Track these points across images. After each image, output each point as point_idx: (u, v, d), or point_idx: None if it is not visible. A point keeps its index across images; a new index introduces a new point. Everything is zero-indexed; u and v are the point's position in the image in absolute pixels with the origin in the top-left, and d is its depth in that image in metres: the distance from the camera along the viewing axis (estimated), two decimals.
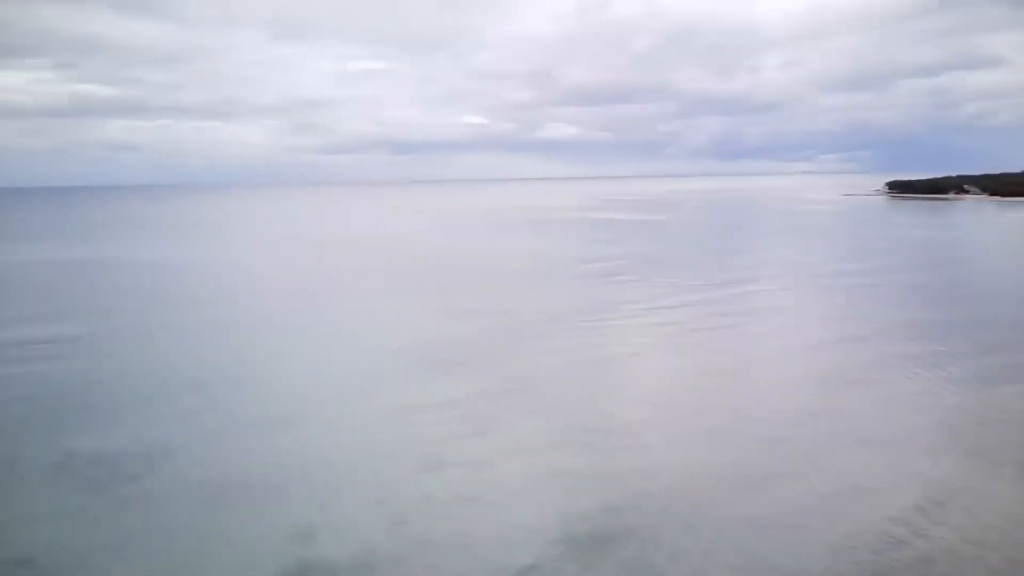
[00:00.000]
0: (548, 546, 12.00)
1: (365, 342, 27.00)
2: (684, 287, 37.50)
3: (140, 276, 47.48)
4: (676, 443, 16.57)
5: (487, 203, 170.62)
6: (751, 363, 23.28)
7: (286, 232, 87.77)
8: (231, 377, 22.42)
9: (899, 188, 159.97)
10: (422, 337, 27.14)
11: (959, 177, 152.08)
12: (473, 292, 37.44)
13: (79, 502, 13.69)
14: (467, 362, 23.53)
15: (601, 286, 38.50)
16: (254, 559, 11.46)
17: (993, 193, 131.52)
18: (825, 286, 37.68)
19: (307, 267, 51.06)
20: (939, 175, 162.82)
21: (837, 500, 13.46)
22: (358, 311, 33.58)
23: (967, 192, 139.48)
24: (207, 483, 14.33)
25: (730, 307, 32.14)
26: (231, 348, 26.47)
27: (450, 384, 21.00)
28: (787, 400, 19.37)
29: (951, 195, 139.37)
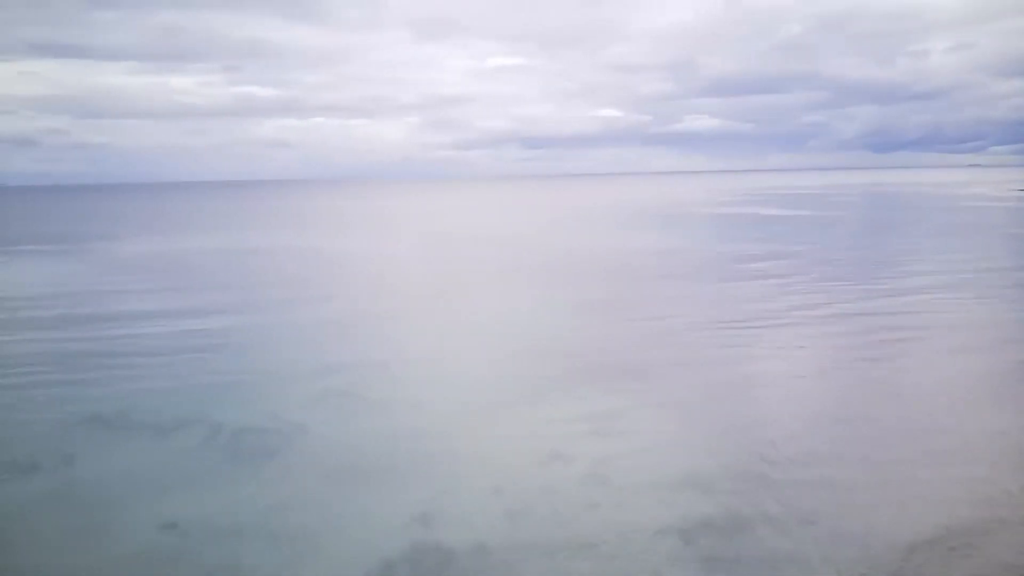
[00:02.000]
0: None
1: (497, 340, 26.07)
2: (850, 293, 33.65)
3: (290, 264, 50.37)
4: (876, 479, 14.16)
5: (621, 197, 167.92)
6: (952, 387, 19.62)
7: (422, 226, 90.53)
8: (368, 366, 22.64)
9: None
10: (560, 339, 25.76)
11: None
12: (612, 293, 35.75)
13: (222, 470, 14.73)
14: (609, 369, 21.78)
15: (753, 290, 35.49)
16: (375, 538, 11.75)
17: None
18: (1016, 297, 32.94)
19: (442, 262, 51.49)
20: None
21: None
22: (491, 308, 32.70)
23: None
24: (336, 462, 14.85)
25: (909, 319, 27.51)
26: (371, 339, 26.99)
27: (587, 393, 19.41)
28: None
29: None
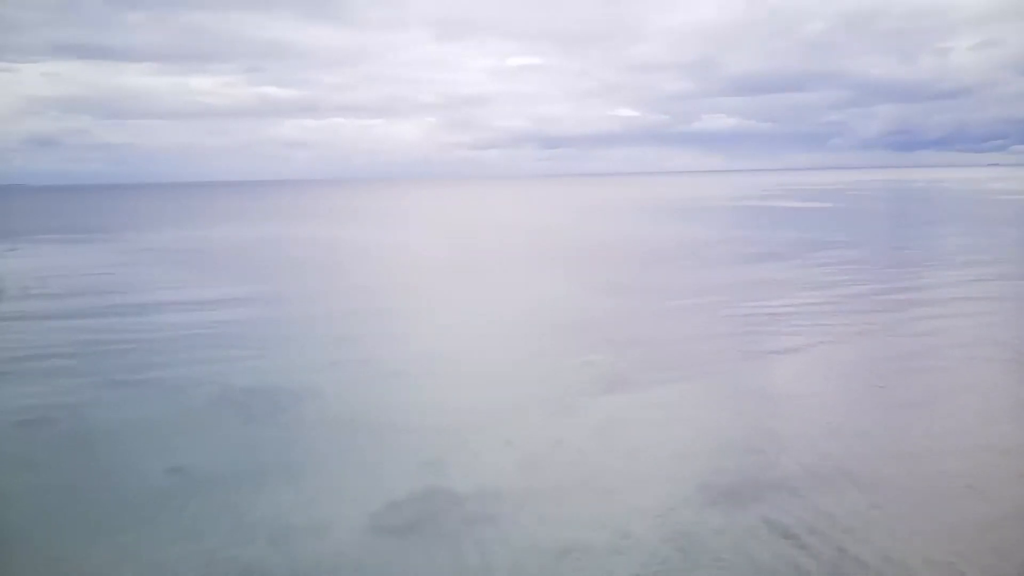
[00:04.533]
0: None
1: (527, 319, 25.29)
2: (904, 280, 31.77)
3: (322, 253, 50.96)
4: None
5: (645, 194, 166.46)
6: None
7: (451, 220, 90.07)
8: (385, 335, 22.74)
9: None
10: (587, 317, 24.86)
11: None
12: (650, 278, 34.53)
13: (231, 424, 15.05)
14: (643, 345, 20.65)
15: (809, 276, 33.52)
16: (388, 485, 11.90)
17: None
18: None
19: (479, 250, 51.07)
20: None
21: None
22: (509, 290, 32.14)
23: None
24: (348, 419, 14.96)
25: (961, 306, 25.42)
26: (399, 319, 27.05)
27: (613, 368, 19.17)
28: None
29: None
